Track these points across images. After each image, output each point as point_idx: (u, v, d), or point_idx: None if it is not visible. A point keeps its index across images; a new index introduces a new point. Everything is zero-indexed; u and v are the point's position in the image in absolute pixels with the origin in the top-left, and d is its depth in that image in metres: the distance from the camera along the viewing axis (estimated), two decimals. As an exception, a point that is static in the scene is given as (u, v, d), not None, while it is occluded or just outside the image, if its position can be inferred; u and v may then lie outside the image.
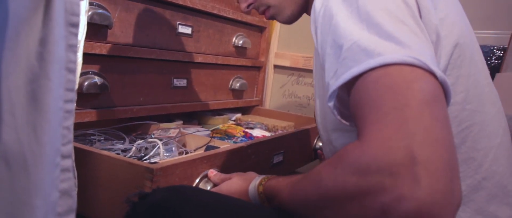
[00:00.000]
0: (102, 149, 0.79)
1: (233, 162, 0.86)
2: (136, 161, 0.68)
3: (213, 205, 0.57)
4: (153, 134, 1.04)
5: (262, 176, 0.69)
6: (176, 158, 0.87)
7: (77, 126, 0.96)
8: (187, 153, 0.97)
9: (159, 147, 0.89)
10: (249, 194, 0.68)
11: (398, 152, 0.39)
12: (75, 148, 0.47)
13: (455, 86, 0.57)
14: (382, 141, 0.41)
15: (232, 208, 0.59)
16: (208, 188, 0.78)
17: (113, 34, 1.00)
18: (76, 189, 0.47)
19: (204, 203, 0.57)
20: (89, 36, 0.93)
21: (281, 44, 1.85)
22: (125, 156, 0.86)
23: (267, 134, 1.32)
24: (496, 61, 1.36)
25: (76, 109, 0.77)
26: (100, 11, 0.93)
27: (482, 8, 1.40)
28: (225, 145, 0.96)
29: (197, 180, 0.78)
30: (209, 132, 1.23)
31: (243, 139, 1.21)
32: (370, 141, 0.42)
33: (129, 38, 1.05)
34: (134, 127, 1.11)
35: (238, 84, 1.50)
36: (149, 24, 1.10)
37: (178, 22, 1.19)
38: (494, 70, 1.33)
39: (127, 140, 0.97)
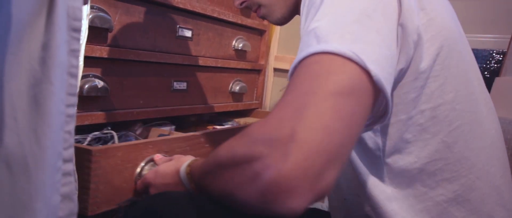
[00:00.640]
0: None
1: (183, 149, 0.89)
2: (76, 144, 0.69)
3: (204, 209, 0.58)
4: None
5: (194, 158, 0.70)
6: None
7: (78, 129, 0.96)
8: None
9: (113, 137, 0.91)
10: (180, 175, 0.68)
11: (284, 130, 0.42)
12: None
13: (444, 86, 0.57)
14: (277, 119, 0.44)
15: (222, 212, 0.59)
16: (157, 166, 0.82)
17: (114, 37, 1.00)
18: (77, 193, 0.47)
19: (196, 207, 0.57)
20: (89, 39, 0.93)
21: (281, 47, 1.85)
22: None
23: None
24: (495, 65, 1.37)
25: (76, 112, 0.78)
26: (101, 14, 0.93)
27: (481, 12, 1.41)
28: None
29: (143, 164, 0.81)
30: (174, 127, 1.22)
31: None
32: (270, 118, 0.45)
33: (129, 41, 1.05)
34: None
35: (238, 87, 1.50)
36: (149, 27, 1.10)
37: (178, 25, 1.19)
38: (493, 74, 1.33)
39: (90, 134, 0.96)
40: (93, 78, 0.95)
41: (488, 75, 1.36)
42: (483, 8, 1.41)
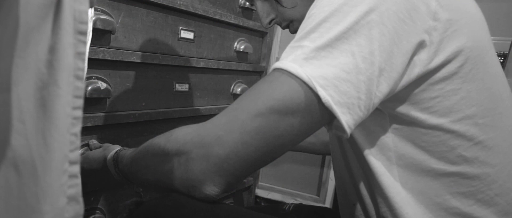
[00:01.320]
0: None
1: (120, 136, 1.03)
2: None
3: (206, 211, 0.58)
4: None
5: (121, 147, 0.76)
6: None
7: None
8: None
9: None
10: (107, 161, 0.74)
11: (212, 136, 0.53)
12: None
13: (466, 100, 0.55)
14: (213, 124, 0.55)
15: (225, 214, 0.59)
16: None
17: (116, 39, 1.01)
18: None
19: (198, 209, 0.57)
20: (92, 41, 0.93)
21: (282, 49, 1.85)
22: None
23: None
24: (496, 67, 1.37)
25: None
26: (104, 16, 0.93)
27: (483, 13, 1.41)
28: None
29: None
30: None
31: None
32: (210, 122, 0.56)
33: (132, 43, 1.05)
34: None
35: (239, 89, 1.50)
36: (151, 29, 1.10)
37: (180, 27, 1.20)
38: (494, 76, 1.33)
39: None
40: (96, 80, 0.96)
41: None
42: (484, 10, 1.41)
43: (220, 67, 1.39)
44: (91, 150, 0.91)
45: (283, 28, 0.78)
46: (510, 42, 1.27)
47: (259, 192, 1.87)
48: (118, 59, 1.00)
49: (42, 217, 0.38)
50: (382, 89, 0.51)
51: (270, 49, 1.82)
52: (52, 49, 0.39)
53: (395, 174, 0.59)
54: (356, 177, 0.66)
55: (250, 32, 1.56)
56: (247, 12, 1.49)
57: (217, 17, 1.31)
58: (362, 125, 0.58)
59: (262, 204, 1.85)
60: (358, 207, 0.68)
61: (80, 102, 0.43)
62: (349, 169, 0.66)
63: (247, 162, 0.53)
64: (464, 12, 0.57)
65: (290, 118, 0.51)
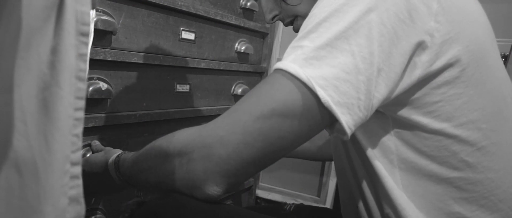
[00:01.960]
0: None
1: (121, 137, 1.04)
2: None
3: (207, 212, 0.58)
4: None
5: (122, 151, 0.76)
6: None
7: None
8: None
9: None
10: (108, 165, 0.74)
11: (215, 137, 0.54)
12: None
13: (469, 104, 0.55)
14: (216, 125, 0.55)
15: (226, 215, 0.60)
16: (88, 155, 0.90)
17: (117, 40, 1.01)
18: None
19: (199, 210, 0.57)
20: (93, 42, 0.93)
21: (283, 50, 1.86)
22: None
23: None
24: (497, 69, 1.37)
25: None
26: (105, 17, 0.94)
27: (483, 15, 1.41)
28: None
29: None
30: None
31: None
32: (213, 122, 0.56)
33: (133, 44, 1.05)
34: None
35: (240, 90, 1.50)
36: (152, 30, 1.11)
37: (181, 28, 1.20)
38: (495, 77, 1.33)
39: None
40: (97, 81, 0.96)
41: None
42: (484, 11, 1.41)
43: (221, 68, 1.39)
44: (93, 151, 0.91)
45: (286, 25, 0.78)
46: (510, 44, 1.27)
47: (260, 193, 1.87)
48: (119, 60, 1.00)
49: (43, 217, 0.38)
50: (380, 90, 0.51)
51: (271, 50, 1.82)
52: (54, 51, 0.39)
53: (397, 177, 0.59)
54: (360, 177, 0.65)
55: (251, 33, 1.56)
56: (248, 13, 1.49)
57: (218, 18, 1.31)
58: (365, 127, 0.58)
59: (263, 204, 1.85)
60: (362, 207, 0.68)
61: (82, 103, 0.43)
62: (353, 168, 0.66)
63: (249, 162, 0.53)
64: (467, 14, 0.56)
65: (292, 119, 0.51)
